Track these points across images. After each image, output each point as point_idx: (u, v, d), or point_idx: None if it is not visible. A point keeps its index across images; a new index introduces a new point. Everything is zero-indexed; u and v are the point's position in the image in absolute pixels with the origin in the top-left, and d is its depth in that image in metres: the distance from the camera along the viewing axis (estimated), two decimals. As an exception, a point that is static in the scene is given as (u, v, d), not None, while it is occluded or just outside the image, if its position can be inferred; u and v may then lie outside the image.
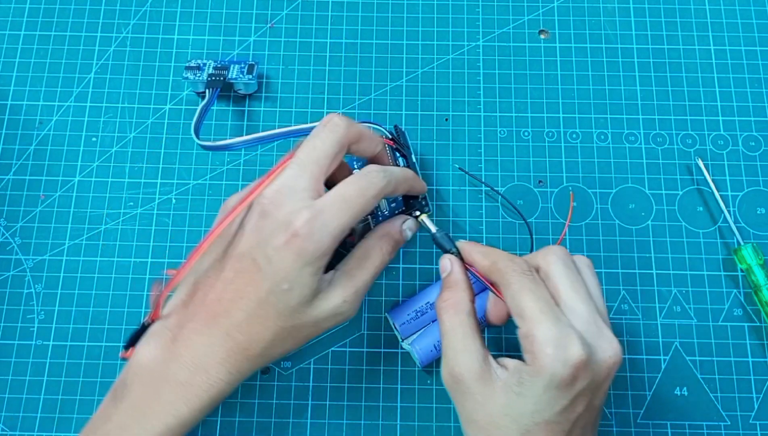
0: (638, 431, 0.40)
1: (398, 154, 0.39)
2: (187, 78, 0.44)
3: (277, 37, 0.47)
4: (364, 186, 0.33)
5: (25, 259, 0.43)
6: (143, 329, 0.35)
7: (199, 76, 0.44)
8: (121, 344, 0.41)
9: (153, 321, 0.34)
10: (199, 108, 0.41)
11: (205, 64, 0.44)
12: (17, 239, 0.43)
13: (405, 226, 0.37)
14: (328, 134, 0.34)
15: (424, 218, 0.37)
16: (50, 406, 0.40)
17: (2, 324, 0.41)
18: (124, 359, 0.38)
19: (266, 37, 0.47)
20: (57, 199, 0.44)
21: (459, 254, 0.35)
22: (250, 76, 0.44)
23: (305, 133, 0.35)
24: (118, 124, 0.45)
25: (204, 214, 0.43)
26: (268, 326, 0.32)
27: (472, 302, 0.34)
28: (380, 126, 0.39)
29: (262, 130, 0.45)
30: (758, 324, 0.41)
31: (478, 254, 0.35)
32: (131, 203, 0.44)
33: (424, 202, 0.38)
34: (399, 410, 0.40)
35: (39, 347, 0.41)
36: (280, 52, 0.47)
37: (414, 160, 0.41)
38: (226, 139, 0.38)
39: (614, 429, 0.40)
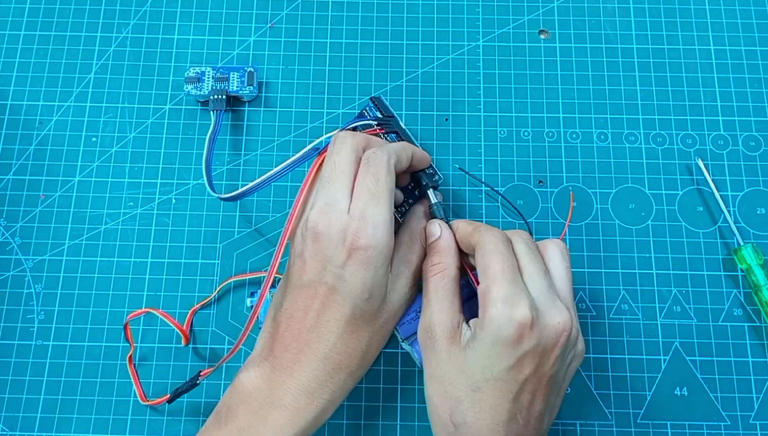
0: (638, 431, 0.40)
1: (391, 135, 0.40)
2: (189, 93, 0.44)
3: (277, 37, 0.47)
4: (374, 171, 0.34)
5: (25, 259, 0.43)
6: (192, 385, 0.37)
7: (201, 90, 0.44)
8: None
9: (204, 376, 0.37)
10: (205, 150, 0.42)
11: (204, 73, 0.44)
12: (17, 239, 0.43)
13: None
14: (340, 147, 0.35)
15: (429, 191, 0.39)
16: (50, 406, 0.40)
17: (2, 324, 0.41)
18: (155, 405, 0.40)
19: (266, 37, 0.47)
20: (57, 199, 0.44)
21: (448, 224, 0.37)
22: (252, 88, 0.44)
23: (311, 157, 0.37)
24: (118, 124, 0.45)
25: (204, 215, 0.43)
26: (360, 336, 0.34)
27: (459, 268, 0.36)
28: (364, 120, 0.40)
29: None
30: (758, 324, 0.41)
31: (464, 222, 0.37)
32: (131, 203, 0.44)
33: (432, 172, 0.39)
34: (399, 410, 0.40)
35: (39, 347, 0.41)
36: (280, 53, 0.47)
37: (403, 126, 0.40)
38: (239, 187, 0.39)
39: (614, 429, 0.40)
